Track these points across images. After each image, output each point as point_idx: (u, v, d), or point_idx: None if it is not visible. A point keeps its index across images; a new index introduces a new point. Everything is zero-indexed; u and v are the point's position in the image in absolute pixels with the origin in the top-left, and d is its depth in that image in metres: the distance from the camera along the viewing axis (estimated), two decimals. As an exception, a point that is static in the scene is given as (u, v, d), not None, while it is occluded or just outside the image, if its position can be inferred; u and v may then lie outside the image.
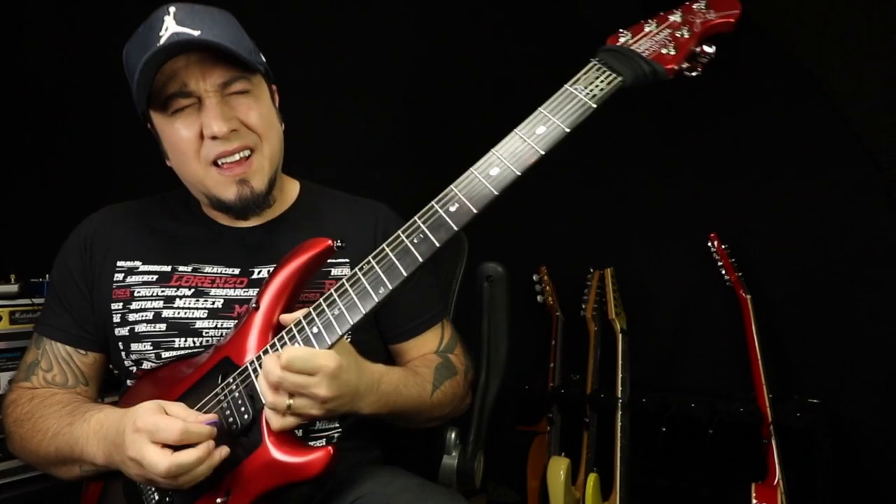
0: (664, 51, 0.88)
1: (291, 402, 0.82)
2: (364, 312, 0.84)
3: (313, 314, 0.88)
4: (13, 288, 1.60)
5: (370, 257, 0.87)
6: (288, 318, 0.91)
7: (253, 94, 1.02)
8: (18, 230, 1.04)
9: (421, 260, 0.83)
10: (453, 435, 1.24)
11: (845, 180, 1.84)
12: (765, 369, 1.82)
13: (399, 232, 0.86)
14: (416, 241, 0.84)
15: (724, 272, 1.98)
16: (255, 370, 0.89)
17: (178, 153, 1.02)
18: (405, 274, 0.83)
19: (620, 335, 2.15)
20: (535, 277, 2.47)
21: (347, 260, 1.11)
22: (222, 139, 0.98)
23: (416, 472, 1.04)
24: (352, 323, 0.85)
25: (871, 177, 1.78)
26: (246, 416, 0.88)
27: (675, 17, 0.90)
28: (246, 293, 1.05)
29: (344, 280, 0.87)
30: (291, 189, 1.20)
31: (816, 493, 1.75)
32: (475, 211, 0.82)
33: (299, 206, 1.18)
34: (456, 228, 0.82)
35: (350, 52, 2.37)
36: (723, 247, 1.99)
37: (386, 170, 2.44)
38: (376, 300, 0.84)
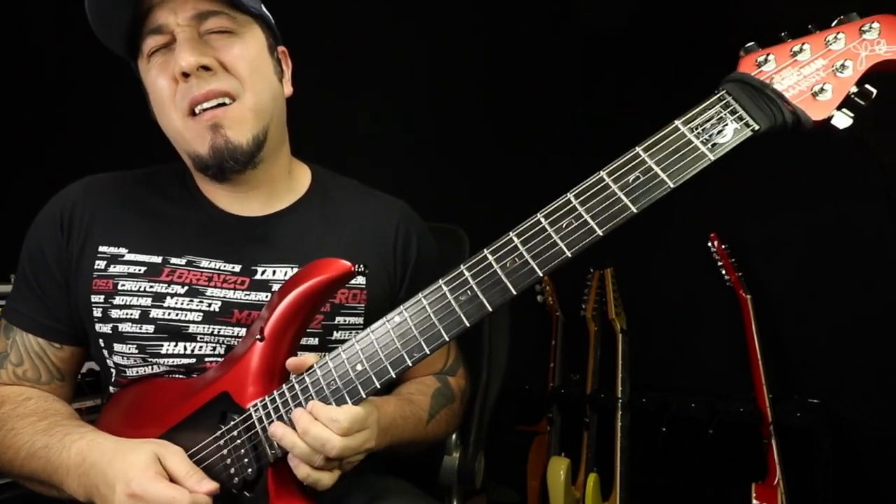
0: (816, 92, 0.66)
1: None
2: (393, 375, 0.74)
3: (331, 366, 0.78)
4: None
5: (404, 309, 0.75)
6: (297, 366, 0.80)
7: (238, 34, 0.89)
8: (18, 230, 1.03)
9: (467, 324, 0.70)
10: (454, 435, 1.24)
11: (845, 180, 1.84)
12: (765, 369, 1.82)
13: (441, 282, 0.73)
14: (462, 298, 0.71)
15: (724, 272, 1.98)
16: (259, 419, 0.79)
17: (157, 103, 0.91)
18: (446, 338, 0.71)
19: (620, 335, 2.15)
20: (535, 277, 2.47)
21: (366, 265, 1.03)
22: (196, 79, 0.85)
23: (418, 472, 1.03)
24: (378, 386, 0.75)
25: (871, 176, 1.78)
26: (250, 471, 0.79)
27: (837, 45, 0.66)
28: (247, 296, 0.93)
29: (370, 333, 0.77)
30: (302, 175, 1.07)
31: (816, 493, 1.75)
32: (540, 273, 0.68)
33: (311, 195, 1.05)
34: (514, 292, 0.69)
35: (351, 50, 2.37)
36: (723, 247, 1.99)
37: (386, 169, 2.43)
38: (409, 363, 0.73)
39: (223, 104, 0.88)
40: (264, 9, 0.97)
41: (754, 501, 1.68)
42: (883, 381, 1.75)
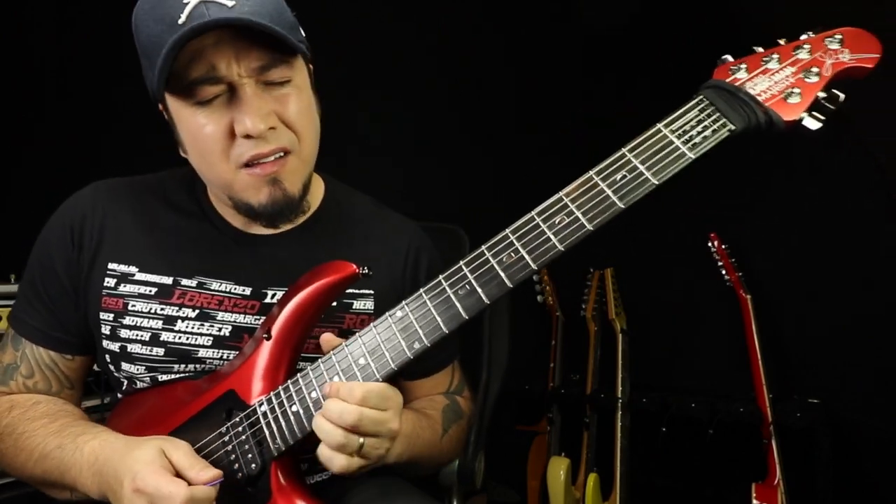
0: (786, 96, 0.72)
1: (363, 440, 0.74)
2: (394, 367, 0.77)
3: (334, 361, 0.80)
4: (13, 288, 1.60)
5: (405, 303, 0.78)
6: (328, 340, 0.82)
7: (294, 83, 0.85)
8: (18, 230, 1.03)
9: (465, 316, 0.74)
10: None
11: (845, 180, 1.84)
12: (765, 369, 1.82)
13: (440, 278, 0.76)
14: (461, 292, 0.74)
15: (724, 272, 1.98)
16: (264, 414, 0.81)
17: (202, 151, 0.85)
18: (445, 330, 0.75)
19: (620, 335, 2.15)
20: (535, 277, 2.47)
21: (371, 292, 1.00)
22: (257, 139, 0.82)
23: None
24: (379, 378, 0.78)
25: (872, 176, 1.78)
26: (254, 466, 0.81)
27: (803, 54, 0.73)
28: (257, 321, 0.93)
29: (373, 328, 0.79)
30: (317, 189, 1.05)
31: (816, 493, 1.75)
32: (534, 266, 0.72)
33: (325, 214, 1.03)
34: (510, 284, 0.72)
35: (351, 50, 2.36)
36: (723, 247, 1.99)
37: (386, 169, 2.43)
38: (409, 355, 0.76)
39: (279, 157, 0.85)
40: (302, 32, 0.90)
41: (754, 501, 1.68)
42: (883, 381, 1.75)
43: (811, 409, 1.81)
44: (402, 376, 1.02)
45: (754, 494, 1.69)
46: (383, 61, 2.41)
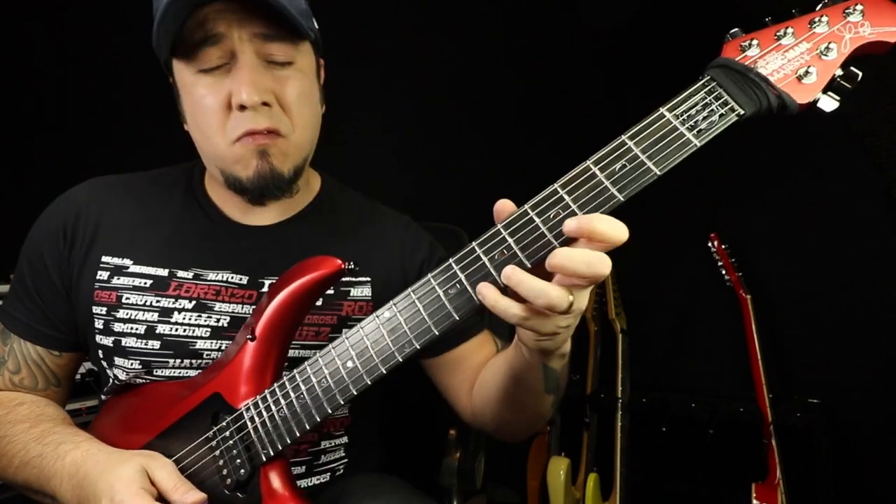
0: (800, 76, 0.65)
1: (573, 298, 0.63)
2: (384, 371, 0.74)
3: (321, 364, 0.76)
4: (13, 288, 1.59)
5: (394, 304, 0.74)
6: (500, 209, 0.69)
7: (297, 66, 0.86)
8: (18, 230, 1.03)
9: (457, 317, 0.69)
10: (454, 435, 1.24)
11: (845, 180, 1.84)
12: (765, 369, 1.82)
13: (429, 276, 0.71)
14: (451, 292, 0.69)
15: (724, 272, 1.98)
16: (251, 418, 0.79)
17: (200, 123, 0.86)
18: (436, 333, 0.70)
19: (620, 335, 2.15)
20: (535, 277, 2.47)
21: (368, 279, 0.98)
22: (252, 110, 0.82)
23: (418, 473, 1.03)
24: (369, 383, 0.74)
25: (871, 176, 1.78)
26: (243, 471, 0.79)
27: (820, 28, 0.66)
28: None
29: (360, 329, 0.74)
30: (313, 183, 1.05)
31: (816, 493, 1.75)
32: (528, 264, 0.66)
33: (320, 206, 1.03)
34: (503, 284, 0.66)
35: (352, 49, 2.36)
36: (723, 247, 1.99)
37: (387, 168, 2.43)
38: (399, 359, 0.73)
39: (271, 131, 0.85)
40: (315, 23, 0.92)
41: (754, 501, 1.68)
42: (883, 381, 1.75)
43: (811, 409, 1.81)
44: (440, 350, 1.00)
45: (754, 494, 1.69)
46: (385, 61, 2.40)
